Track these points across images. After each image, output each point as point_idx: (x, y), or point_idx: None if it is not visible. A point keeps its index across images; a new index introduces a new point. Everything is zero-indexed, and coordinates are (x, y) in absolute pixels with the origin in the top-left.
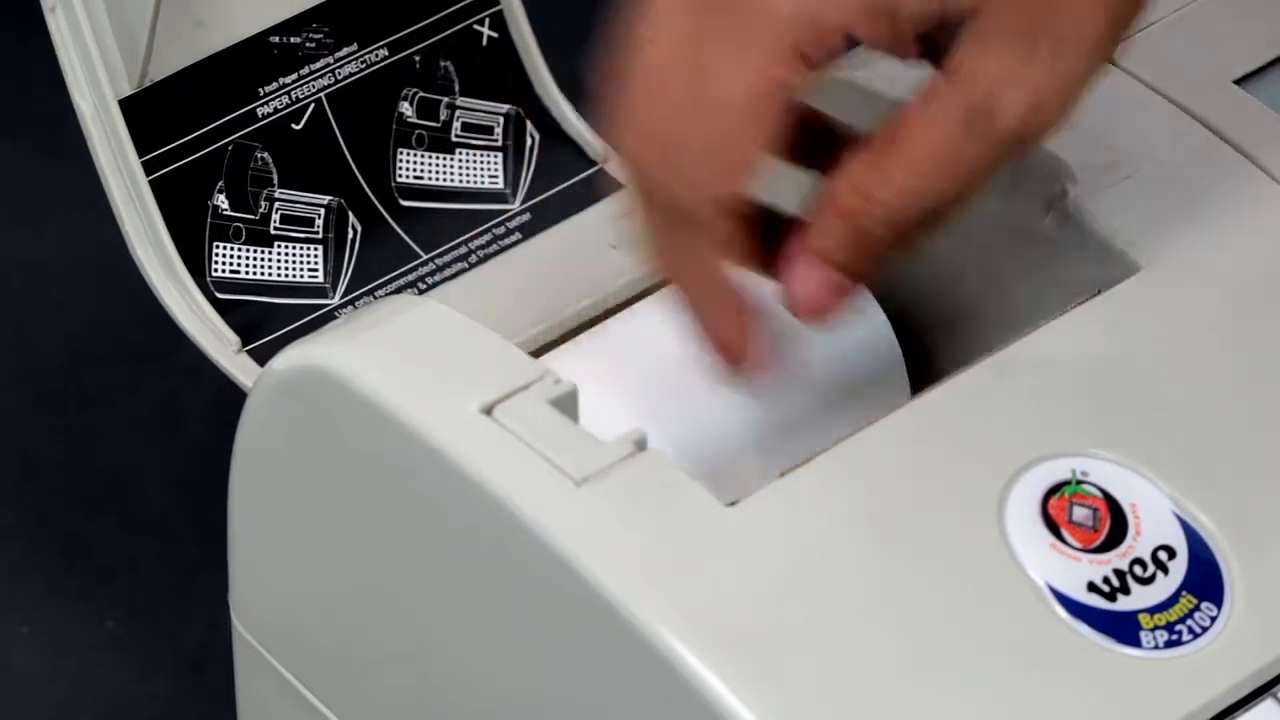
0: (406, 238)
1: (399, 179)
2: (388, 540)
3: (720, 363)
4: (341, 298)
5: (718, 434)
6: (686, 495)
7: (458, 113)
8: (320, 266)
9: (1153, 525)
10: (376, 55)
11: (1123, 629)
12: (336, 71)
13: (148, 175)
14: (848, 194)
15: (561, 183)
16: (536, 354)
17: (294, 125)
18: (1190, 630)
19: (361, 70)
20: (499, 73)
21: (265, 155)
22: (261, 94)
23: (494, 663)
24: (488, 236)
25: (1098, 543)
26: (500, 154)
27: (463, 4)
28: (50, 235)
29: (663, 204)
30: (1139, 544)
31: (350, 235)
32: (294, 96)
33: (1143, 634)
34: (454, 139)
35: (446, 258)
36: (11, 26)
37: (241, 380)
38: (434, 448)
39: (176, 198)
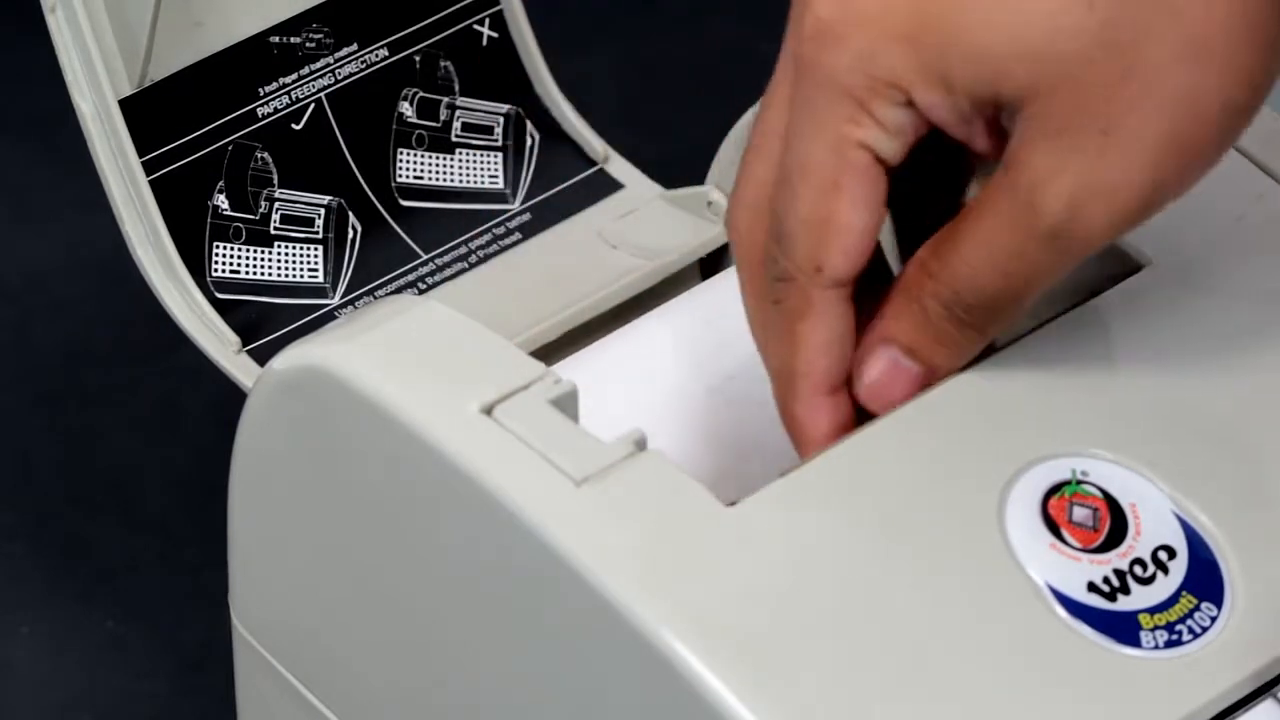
0: (406, 238)
1: (399, 179)
2: (388, 540)
3: (792, 440)
4: (341, 298)
5: (718, 436)
6: (686, 495)
7: (458, 113)
8: (320, 266)
9: (1153, 525)
10: (376, 55)
11: (1123, 629)
12: (336, 71)
13: (148, 175)
14: (914, 273)
15: (561, 183)
16: (536, 354)
17: (294, 125)
18: (1190, 630)
19: (361, 70)
20: (499, 73)
21: (265, 155)
22: (261, 94)
23: (493, 663)
24: (488, 236)
25: (1098, 543)
26: (500, 154)
27: (463, 4)
28: (50, 235)
29: (770, 275)
30: (1139, 544)
31: (350, 235)
32: (294, 96)
33: (1143, 634)
34: (454, 139)
35: (446, 258)
36: (11, 26)
37: (241, 380)
38: (434, 448)
39: (176, 198)
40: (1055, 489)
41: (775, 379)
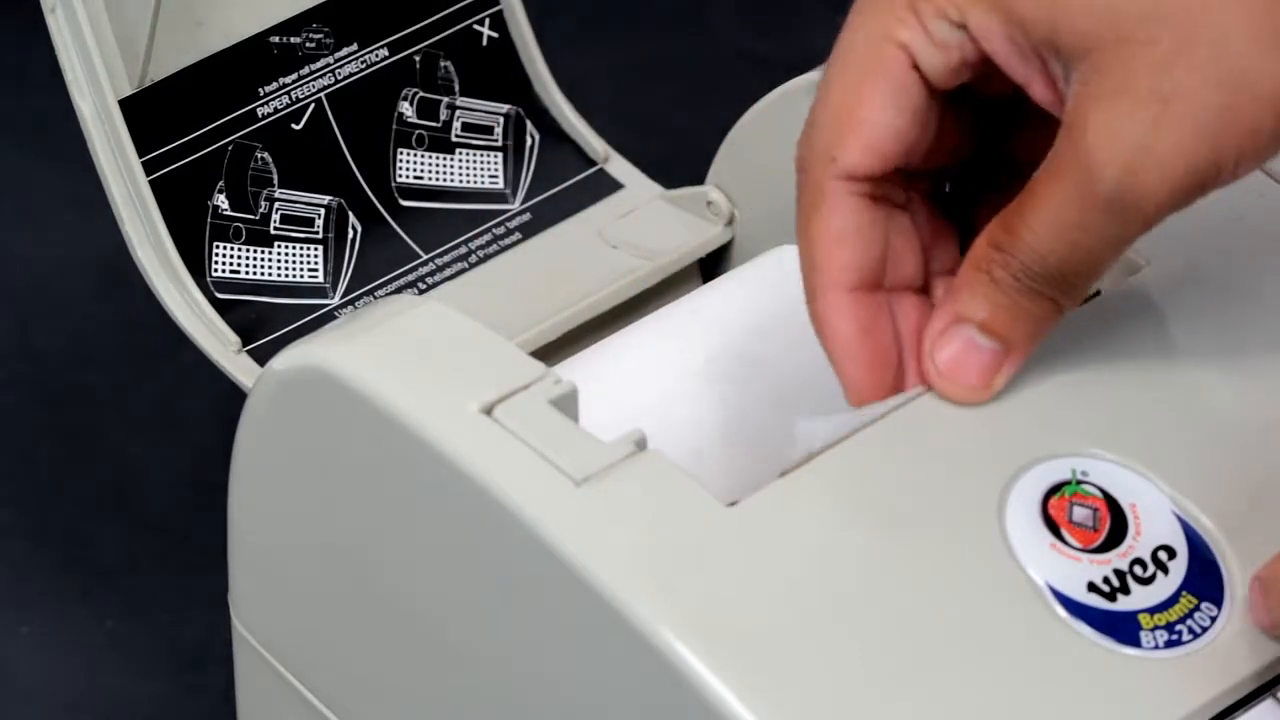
0: (406, 238)
1: (399, 179)
2: (388, 540)
3: (822, 346)
4: (341, 298)
5: (717, 436)
6: (686, 495)
7: (458, 113)
8: (320, 266)
9: (1153, 525)
10: (376, 55)
11: (1123, 629)
12: (336, 71)
13: (148, 175)
14: (983, 248)
15: (561, 183)
16: (536, 354)
17: (294, 125)
18: (1190, 630)
19: (361, 70)
20: (499, 73)
21: (265, 155)
22: (261, 94)
23: (494, 662)
24: (488, 236)
25: (1098, 543)
26: (500, 154)
27: (463, 4)
28: (50, 235)
29: (796, 168)
30: (1139, 544)
31: (350, 235)
32: (294, 96)
33: (1143, 634)
34: (454, 139)
35: (446, 258)
36: (11, 26)
37: (241, 380)
38: (434, 448)
39: (176, 198)
40: (1055, 489)
41: (803, 283)
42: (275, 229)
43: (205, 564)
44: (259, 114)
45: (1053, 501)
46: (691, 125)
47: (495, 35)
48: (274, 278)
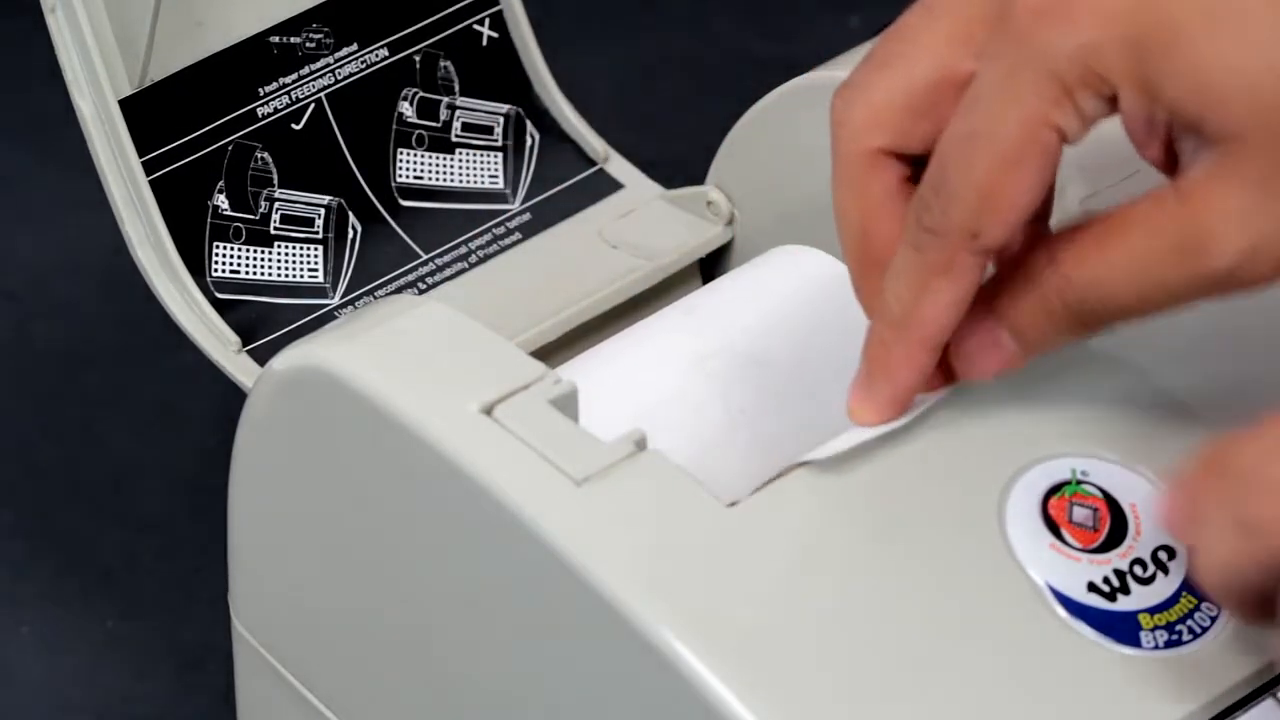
0: (406, 238)
1: (399, 179)
2: (388, 540)
3: (873, 379)
4: (341, 298)
5: (718, 436)
6: (686, 495)
7: (458, 113)
8: (320, 266)
9: (1153, 525)
10: (376, 55)
11: (1123, 629)
12: (336, 71)
13: (148, 175)
14: (1043, 262)
15: (561, 183)
16: (536, 354)
17: (294, 125)
18: (1190, 630)
19: (361, 70)
20: (499, 73)
21: (265, 155)
22: (261, 94)
23: (494, 662)
24: (488, 236)
25: (1098, 543)
26: (500, 154)
27: (463, 4)
28: (50, 235)
29: (918, 221)
30: (1139, 544)
31: (350, 235)
32: (294, 96)
33: (1143, 634)
34: (454, 139)
35: (446, 258)
36: (11, 26)
37: (241, 380)
38: (434, 448)
39: (176, 198)
40: (1055, 489)
41: (880, 316)
42: (275, 229)
43: (205, 564)
44: (259, 114)
45: (1053, 501)
46: (691, 125)
47: (495, 35)
48: (274, 278)
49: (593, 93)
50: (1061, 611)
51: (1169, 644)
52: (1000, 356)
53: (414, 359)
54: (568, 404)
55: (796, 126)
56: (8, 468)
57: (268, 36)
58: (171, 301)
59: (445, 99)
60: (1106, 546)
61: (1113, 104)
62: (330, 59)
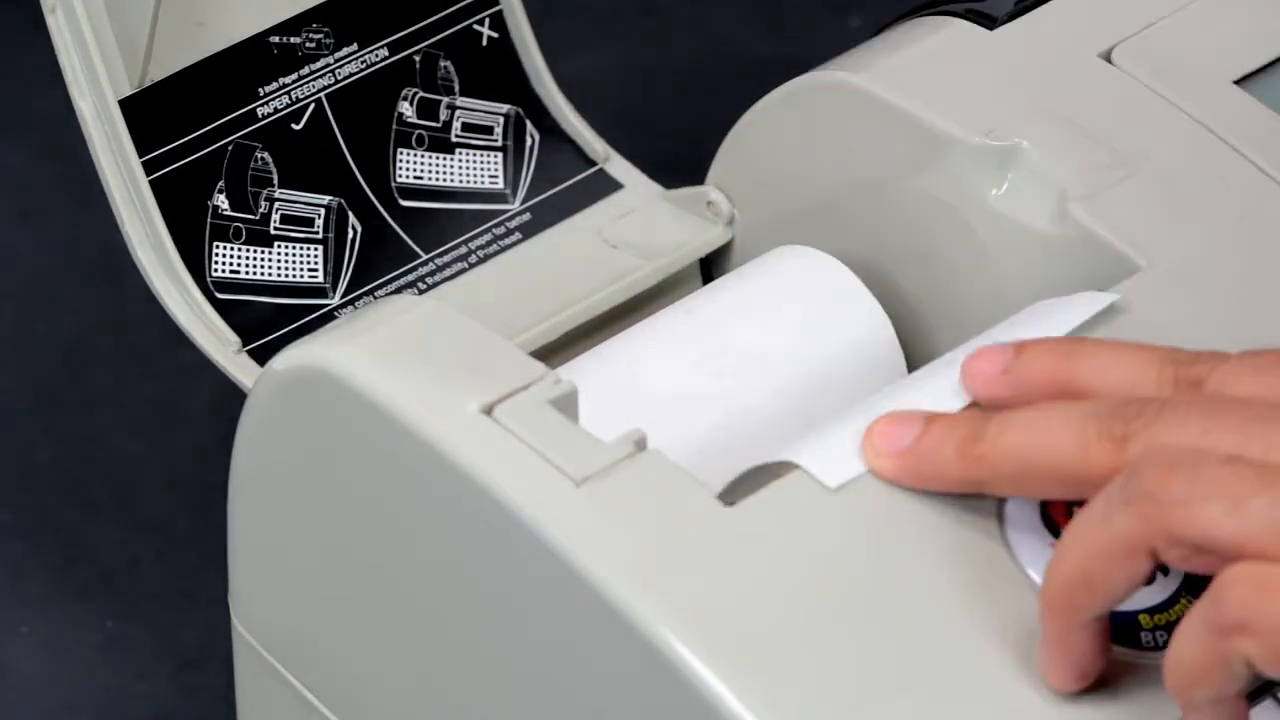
0: (406, 238)
1: (399, 179)
2: (388, 540)
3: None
4: (341, 298)
5: (717, 436)
6: (686, 495)
7: (458, 113)
8: (320, 267)
9: None
10: (376, 55)
11: (1123, 629)
12: (336, 71)
13: (148, 175)
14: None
15: (561, 183)
16: (536, 354)
17: (294, 125)
18: None
19: (361, 70)
20: (499, 73)
21: (265, 155)
22: (261, 94)
23: (493, 662)
24: (488, 236)
25: None
26: (500, 154)
27: (463, 4)
28: (50, 235)
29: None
30: None
31: (350, 236)
32: (294, 96)
33: (1143, 634)
34: (454, 139)
35: (446, 258)
36: (11, 26)
37: (241, 380)
38: (434, 448)
39: (176, 198)
40: None
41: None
42: (275, 229)
43: (205, 564)
44: (258, 114)
45: (1053, 502)
46: (691, 125)
47: (495, 35)
48: (274, 278)
49: (593, 93)
50: None
51: (1169, 644)
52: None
53: (414, 359)
54: (568, 404)
55: (796, 126)
56: (8, 468)
57: (268, 37)
58: (171, 301)
59: (445, 99)
60: None
61: None
62: (330, 59)
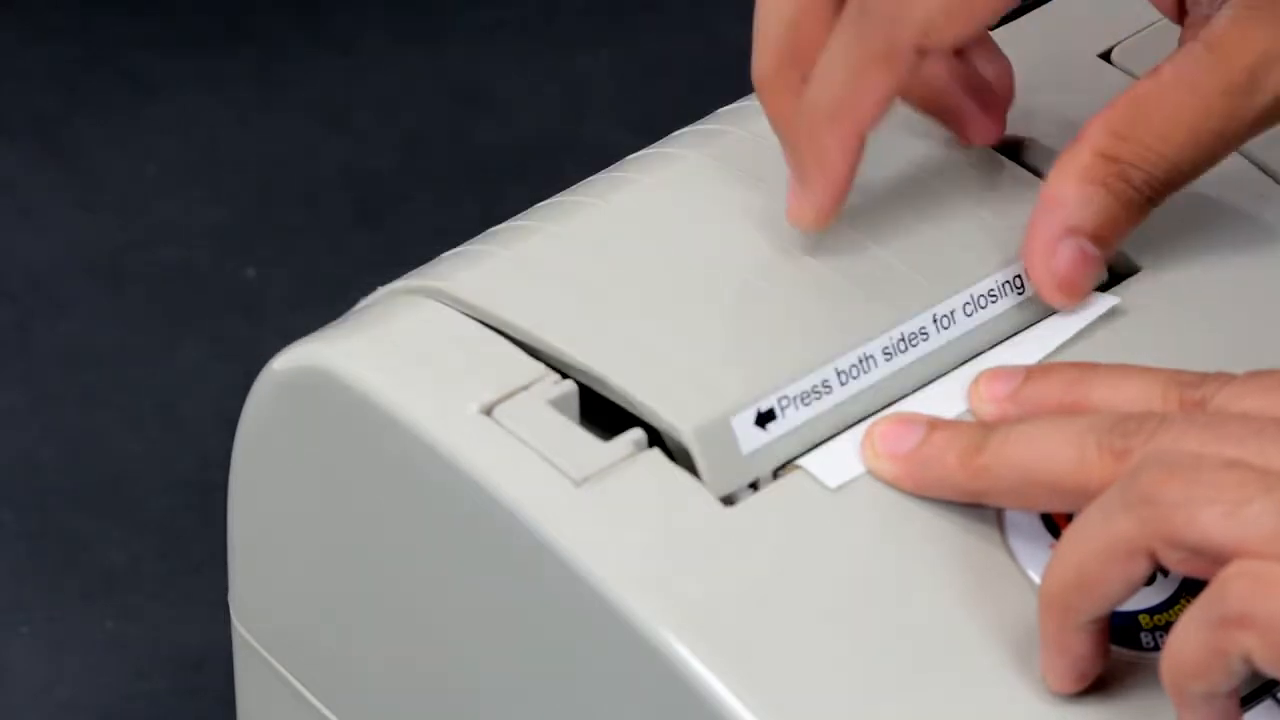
0: None
1: None
2: (387, 540)
3: (802, 169)
4: None
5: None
6: (686, 495)
7: None
8: None
9: None
10: None
11: (1122, 630)
12: None
13: None
14: (1096, 160)
15: None
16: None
17: None
18: None
19: None
20: None
21: None
22: None
23: (493, 662)
24: None
25: None
26: None
27: None
28: (50, 235)
29: (867, 13)
30: None
31: None
32: None
33: (1143, 634)
34: None
35: None
36: (11, 26)
37: None
38: (434, 448)
39: None
40: None
41: (810, 109)
42: None
43: (205, 564)
44: None
45: None
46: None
47: None
48: None
49: (593, 92)
50: None
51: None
52: (1091, 269)
53: (414, 359)
54: (568, 404)
55: None
56: (8, 468)
57: None
58: None
59: None
60: None
61: None
62: None
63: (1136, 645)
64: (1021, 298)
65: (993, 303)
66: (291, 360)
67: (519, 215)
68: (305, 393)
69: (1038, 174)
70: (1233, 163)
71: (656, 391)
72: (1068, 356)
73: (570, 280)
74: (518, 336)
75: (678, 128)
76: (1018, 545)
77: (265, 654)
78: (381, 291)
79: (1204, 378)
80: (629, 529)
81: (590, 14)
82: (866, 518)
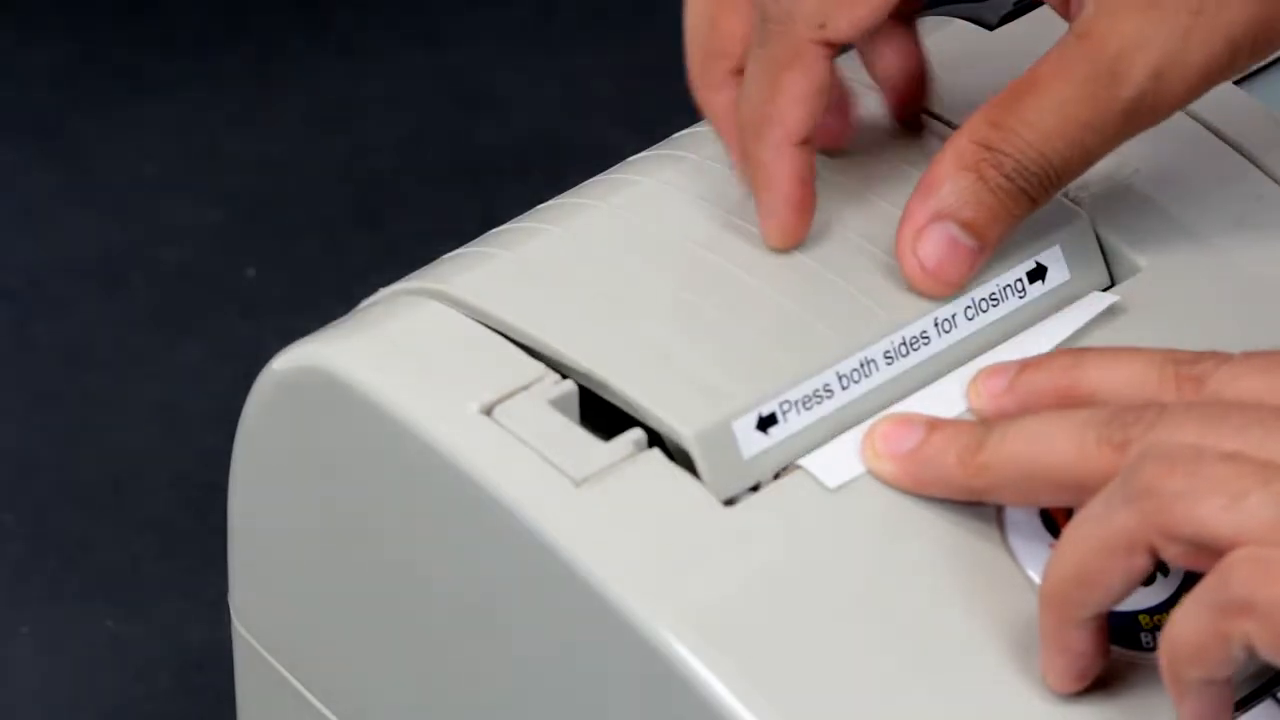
0: None
1: None
2: (387, 540)
3: (753, 187)
4: None
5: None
6: (686, 495)
7: None
8: None
9: None
10: None
11: (1122, 629)
12: None
13: None
14: (970, 146)
15: None
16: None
17: None
18: None
19: None
20: None
21: None
22: None
23: (493, 662)
24: None
25: None
26: None
27: None
28: (50, 235)
29: (764, 14)
30: None
31: None
32: None
33: (1143, 634)
34: None
35: None
36: (11, 26)
37: None
38: (434, 448)
39: None
40: None
41: (743, 124)
42: None
43: (205, 564)
44: None
45: None
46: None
47: None
48: None
49: (593, 93)
50: None
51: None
52: (961, 257)
53: (414, 359)
54: (568, 404)
55: None
56: (8, 468)
57: None
58: None
59: None
60: None
61: None
62: None
63: (1136, 645)
64: (1023, 301)
65: (994, 306)
66: (291, 360)
67: (520, 216)
68: (305, 393)
69: None
70: (1232, 163)
71: (658, 395)
72: None
73: (571, 282)
74: (519, 339)
75: (678, 128)
76: (1017, 544)
77: (265, 654)
78: (382, 292)
79: (1200, 356)
80: (629, 529)
81: (590, 14)
82: (866, 518)
